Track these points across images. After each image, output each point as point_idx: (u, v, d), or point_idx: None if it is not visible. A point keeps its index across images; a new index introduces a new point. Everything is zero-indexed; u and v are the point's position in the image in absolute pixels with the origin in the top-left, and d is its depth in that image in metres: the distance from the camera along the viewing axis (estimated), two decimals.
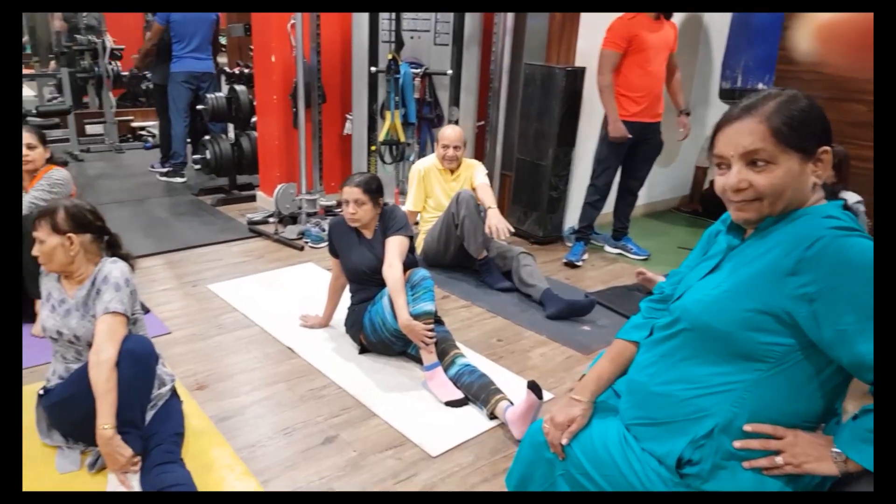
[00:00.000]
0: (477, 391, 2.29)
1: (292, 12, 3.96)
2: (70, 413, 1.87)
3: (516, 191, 4.15)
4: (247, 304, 3.09)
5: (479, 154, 4.22)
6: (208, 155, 4.76)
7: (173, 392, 2.05)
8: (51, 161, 2.94)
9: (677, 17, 4.29)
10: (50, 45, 9.27)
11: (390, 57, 3.94)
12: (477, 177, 3.49)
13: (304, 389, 2.42)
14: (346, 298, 2.79)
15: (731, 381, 1.20)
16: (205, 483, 1.82)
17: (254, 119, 4.84)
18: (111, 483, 1.79)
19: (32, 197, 2.76)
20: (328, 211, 4.39)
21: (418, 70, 4.08)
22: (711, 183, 4.92)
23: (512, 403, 2.21)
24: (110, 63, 6.47)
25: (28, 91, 8.33)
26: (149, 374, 1.86)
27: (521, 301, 3.23)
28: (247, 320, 2.95)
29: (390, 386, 2.45)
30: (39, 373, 2.35)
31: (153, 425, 1.87)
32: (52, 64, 8.61)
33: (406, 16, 4.01)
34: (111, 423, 1.71)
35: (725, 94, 4.41)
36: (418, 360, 2.52)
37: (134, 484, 1.76)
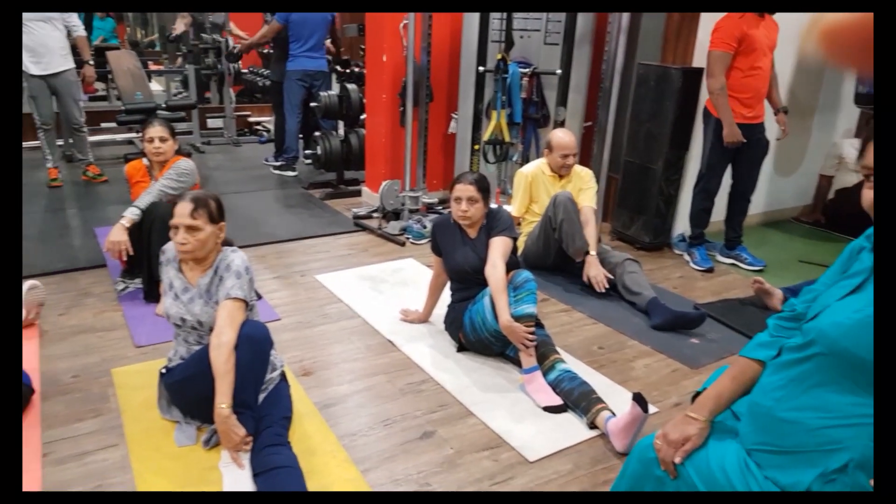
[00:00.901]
0: (577, 398, 2.24)
1: (406, 12, 4.02)
2: (189, 392, 1.98)
3: (622, 194, 4.03)
4: (350, 296, 3.18)
5: (586, 156, 4.13)
6: (319, 150, 4.95)
7: (282, 376, 2.14)
8: (178, 152, 3.16)
9: (802, 18, 4.03)
10: (171, 38, 9.98)
11: (499, 57, 3.93)
12: (586, 196, 3.37)
13: (403, 383, 2.46)
14: (445, 296, 2.81)
15: (871, 413, 1.09)
16: (309, 467, 1.88)
17: (363, 117, 4.98)
18: (224, 459, 1.89)
19: (161, 185, 2.97)
20: (430, 208, 4.45)
21: (526, 69, 4.04)
22: (837, 193, 4.62)
23: (614, 414, 2.15)
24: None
25: (156, 86, 8.99)
26: (264, 358, 1.94)
27: (624, 308, 3.13)
28: (350, 311, 3.03)
29: (488, 386, 2.44)
30: (162, 350, 2.52)
31: (264, 407, 1.96)
32: (179, 61, 9.26)
33: (517, 15, 3.98)
34: (228, 402, 1.80)
35: (862, 99, 4.09)
36: (516, 363, 2.49)
37: (245, 462, 1.84)
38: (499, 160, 4.24)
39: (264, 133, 7.15)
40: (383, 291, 3.26)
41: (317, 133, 5.12)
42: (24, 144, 5.92)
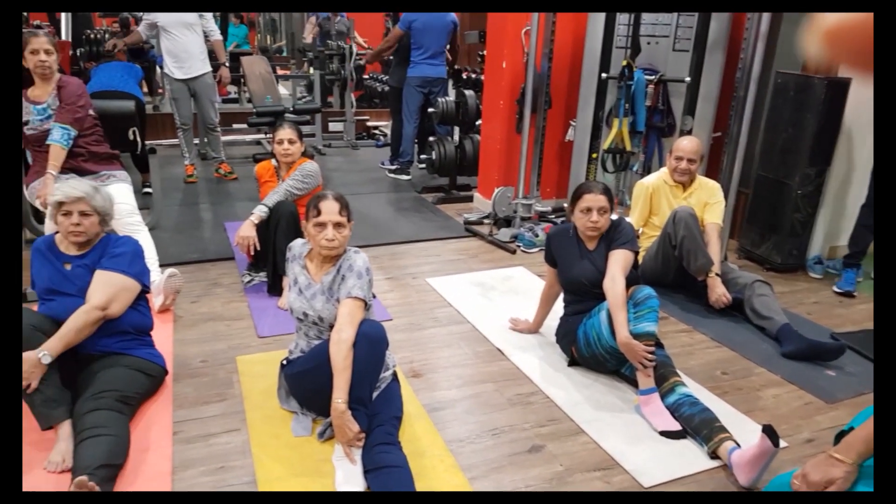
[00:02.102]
0: (698, 425, 2.11)
1: (530, 13, 3.99)
2: (308, 384, 2.05)
3: (753, 210, 3.78)
4: (460, 301, 3.18)
5: (714, 168, 3.91)
6: (433, 155, 5.01)
7: (394, 376, 2.17)
8: (303, 154, 3.29)
9: None
10: (303, 49, 10.51)
11: (624, 63, 3.81)
12: (712, 211, 3.17)
13: (511, 393, 2.42)
14: (557, 307, 2.74)
15: None
16: (417, 468, 1.88)
17: (478, 122, 5.00)
18: (337, 454, 1.93)
19: (288, 186, 3.10)
20: (542, 216, 4.39)
21: (652, 77, 3.89)
22: None
23: (738, 445, 2.00)
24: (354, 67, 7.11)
25: (282, 90, 9.50)
26: (380, 357, 1.97)
27: (750, 332, 2.93)
28: (459, 316, 3.03)
29: (600, 404, 2.35)
30: (283, 342, 2.64)
31: (377, 405, 1.98)
32: (305, 66, 9.74)
33: (644, 20, 3.85)
34: (344, 398, 1.84)
35: None
36: (631, 382, 2.39)
37: (357, 458, 1.87)
38: (618, 170, 4.11)
39: (381, 137, 7.36)
40: (493, 299, 3.24)
41: (431, 138, 5.19)
42: (165, 142, 6.45)
